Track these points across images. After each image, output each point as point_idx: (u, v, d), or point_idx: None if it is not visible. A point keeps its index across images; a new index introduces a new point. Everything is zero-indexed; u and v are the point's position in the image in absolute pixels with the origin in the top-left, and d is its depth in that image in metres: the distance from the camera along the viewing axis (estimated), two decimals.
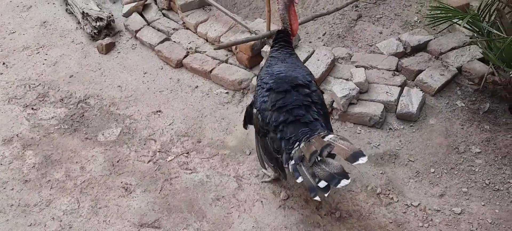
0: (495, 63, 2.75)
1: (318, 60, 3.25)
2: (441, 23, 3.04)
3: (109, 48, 3.98)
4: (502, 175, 2.61)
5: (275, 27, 3.47)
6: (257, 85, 2.58)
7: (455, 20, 2.89)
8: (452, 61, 3.20)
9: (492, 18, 2.84)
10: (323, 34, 3.81)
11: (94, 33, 4.05)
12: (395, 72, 3.19)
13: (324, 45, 3.61)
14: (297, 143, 2.22)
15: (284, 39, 2.63)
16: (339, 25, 3.85)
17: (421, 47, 3.39)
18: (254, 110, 2.53)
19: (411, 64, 3.20)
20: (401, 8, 3.87)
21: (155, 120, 3.24)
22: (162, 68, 3.73)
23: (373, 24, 3.75)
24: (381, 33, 3.68)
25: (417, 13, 3.83)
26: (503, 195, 2.51)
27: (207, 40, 3.83)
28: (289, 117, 2.31)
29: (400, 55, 3.35)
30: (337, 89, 2.98)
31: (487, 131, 2.80)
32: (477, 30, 2.86)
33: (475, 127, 2.83)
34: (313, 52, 3.33)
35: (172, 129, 3.14)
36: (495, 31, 2.75)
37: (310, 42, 3.76)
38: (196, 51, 3.74)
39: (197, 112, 3.27)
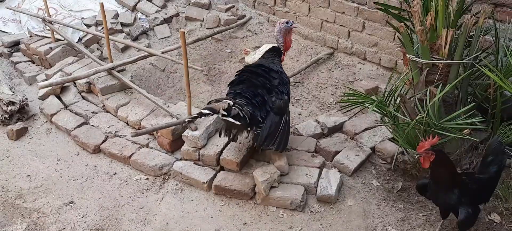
0: (402, 146, 2.94)
1: (240, 143, 3.26)
2: (353, 108, 3.23)
3: (20, 133, 3.72)
4: None
5: (196, 110, 3.48)
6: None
7: (365, 105, 3.08)
8: (366, 141, 3.36)
9: (397, 102, 3.06)
10: None
11: (5, 118, 3.79)
12: (314, 153, 3.28)
13: None
14: None
15: (275, 50, 3.32)
16: None
17: (337, 128, 3.55)
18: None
19: (328, 145, 3.32)
20: (318, 90, 4.09)
21: (67, 213, 3.00)
22: (78, 154, 3.53)
23: (293, 105, 3.89)
24: (300, 114, 3.83)
25: (333, 95, 4.06)
26: None
27: (128, 124, 3.73)
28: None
29: (318, 136, 3.47)
30: (258, 173, 2.98)
31: (402, 210, 2.91)
32: (385, 113, 3.07)
33: (390, 207, 2.94)
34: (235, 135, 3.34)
35: (85, 222, 2.92)
36: (400, 116, 2.96)
37: None
38: (115, 136, 3.61)
39: (114, 201, 3.08)
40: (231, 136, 3.14)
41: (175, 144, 3.39)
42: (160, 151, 3.43)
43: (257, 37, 5.16)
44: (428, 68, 2.94)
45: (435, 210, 2.86)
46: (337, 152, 3.27)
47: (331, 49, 4.75)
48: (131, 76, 4.13)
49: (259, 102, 2.98)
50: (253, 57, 4.45)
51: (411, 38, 3.15)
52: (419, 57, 2.96)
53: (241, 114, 2.79)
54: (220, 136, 3.14)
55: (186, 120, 3.27)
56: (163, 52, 4.33)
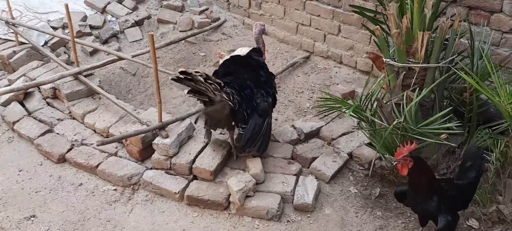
0: (379, 151, 2.87)
1: (214, 151, 3.13)
2: (330, 113, 3.16)
3: None
4: None
5: (168, 117, 3.34)
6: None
7: (342, 110, 3.01)
8: (343, 147, 3.29)
9: (374, 106, 3.00)
10: None
11: None
12: (291, 160, 3.19)
13: (220, 133, 3.53)
14: None
15: (257, 51, 3.37)
16: None
17: (314, 134, 3.46)
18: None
19: (305, 151, 3.23)
20: (294, 95, 4.00)
21: (28, 228, 2.80)
22: (41, 164, 3.33)
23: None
24: (276, 119, 3.72)
25: (309, 99, 3.98)
26: None
27: (95, 131, 3.54)
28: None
29: (295, 142, 3.38)
30: (233, 182, 2.86)
31: (380, 217, 2.84)
32: (362, 118, 3.00)
33: (368, 214, 2.86)
34: (207, 144, 3.21)
35: None
36: (377, 121, 2.90)
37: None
38: (82, 144, 3.42)
39: (79, 215, 2.90)
40: (210, 129, 3.13)
41: (145, 152, 3.23)
42: (130, 160, 3.27)
43: (231, 40, 5.04)
44: (404, 72, 2.89)
45: (414, 217, 2.80)
46: (314, 158, 3.18)
47: (307, 53, 4.67)
48: (99, 81, 3.94)
49: (247, 95, 2.95)
50: None
51: (387, 42, 3.10)
52: (395, 61, 2.90)
53: (232, 98, 2.79)
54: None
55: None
56: (133, 56, 4.17)
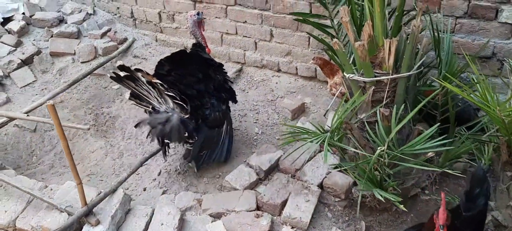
0: (364, 188, 2.43)
1: (162, 224, 2.48)
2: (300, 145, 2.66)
3: None
4: None
5: (92, 191, 2.60)
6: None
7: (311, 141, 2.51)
8: (311, 177, 2.83)
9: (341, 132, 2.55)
10: (158, 174, 3.09)
11: None
12: (257, 212, 2.65)
13: (162, 192, 2.88)
14: None
15: (198, 46, 2.99)
16: (175, 156, 3.19)
17: (273, 167, 2.97)
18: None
19: (271, 196, 2.70)
20: (238, 121, 3.46)
21: None
22: None
23: None
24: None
25: (255, 122, 3.46)
26: None
27: None
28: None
29: (255, 184, 2.85)
30: None
31: None
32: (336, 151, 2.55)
33: None
34: (152, 214, 2.55)
35: None
36: (349, 148, 2.46)
37: (144, 189, 2.98)
38: None
39: None
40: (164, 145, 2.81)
41: None
42: None
43: (147, 63, 4.30)
44: (373, 87, 2.48)
45: None
46: (284, 203, 2.67)
47: (238, 65, 4.13)
48: None
49: (193, 108, 2.71)
50: None
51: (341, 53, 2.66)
52: (361, 75, 2.47)
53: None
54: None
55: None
56: (27, 112, 3.28)
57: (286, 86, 3.83)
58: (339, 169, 2.80)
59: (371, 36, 2.38)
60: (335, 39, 2.43)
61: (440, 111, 2.70)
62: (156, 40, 4.63)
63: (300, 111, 3.49)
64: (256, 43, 3.99)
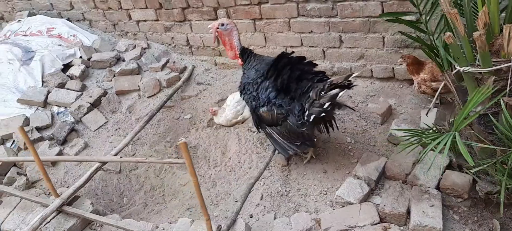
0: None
1: None
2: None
3: None
4: None
5: (214, 226, 2.53)
6: (247, 93, 2.98)
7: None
8: (425, 180, 2.71)
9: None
10: (261, 198, 3.01)
11: None
12: (383, 224, 2.54)
13: (274, 216, 2.80)
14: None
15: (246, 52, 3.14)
16: (272, 178, 3.11)
17: (380, 175, 2.86)
18: (263, 109, 2.85)
19: (392, 205, 2.59)
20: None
21: None
22: None
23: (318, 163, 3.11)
24: (325, 172, 3.05)
25: (343, 132, 3.36)
26: None
27: None
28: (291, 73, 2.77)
29: (368, 197, 2.74)
30: None
31: None
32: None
33: None
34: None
35: None
36: (483, 146, 2.33)
37: (251, 216, 2.89)
38: None
39: None
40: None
41: None
42: None
43: (212, 88, 4.27)
44: (493, 77, 2.36)
45: None
46: (408, 211, 2.56)
47: None
48: (92, 204, 2.99)
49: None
50: (225, 115, 3.63)
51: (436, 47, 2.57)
52: (478, 66, 2.37)
53: None
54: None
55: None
56: (116, 154, 3.25)
57: (364, 90, 3.73)
58: (447, 165, 2.68)
59: (487, 24, 2.28)
60: (448, 33, 2.33)
61: None
62: (215, 64, 4.60)
63: (388, 114, 3.39)
64: (324, 51, 3.91)
